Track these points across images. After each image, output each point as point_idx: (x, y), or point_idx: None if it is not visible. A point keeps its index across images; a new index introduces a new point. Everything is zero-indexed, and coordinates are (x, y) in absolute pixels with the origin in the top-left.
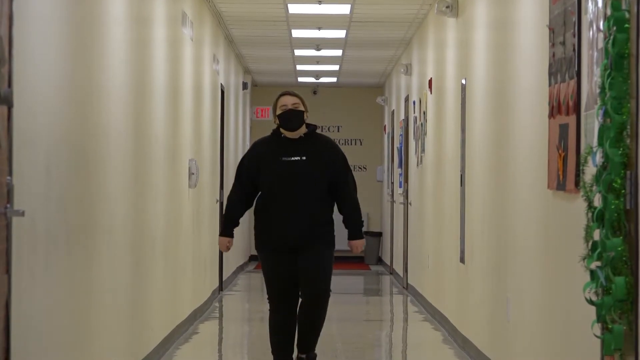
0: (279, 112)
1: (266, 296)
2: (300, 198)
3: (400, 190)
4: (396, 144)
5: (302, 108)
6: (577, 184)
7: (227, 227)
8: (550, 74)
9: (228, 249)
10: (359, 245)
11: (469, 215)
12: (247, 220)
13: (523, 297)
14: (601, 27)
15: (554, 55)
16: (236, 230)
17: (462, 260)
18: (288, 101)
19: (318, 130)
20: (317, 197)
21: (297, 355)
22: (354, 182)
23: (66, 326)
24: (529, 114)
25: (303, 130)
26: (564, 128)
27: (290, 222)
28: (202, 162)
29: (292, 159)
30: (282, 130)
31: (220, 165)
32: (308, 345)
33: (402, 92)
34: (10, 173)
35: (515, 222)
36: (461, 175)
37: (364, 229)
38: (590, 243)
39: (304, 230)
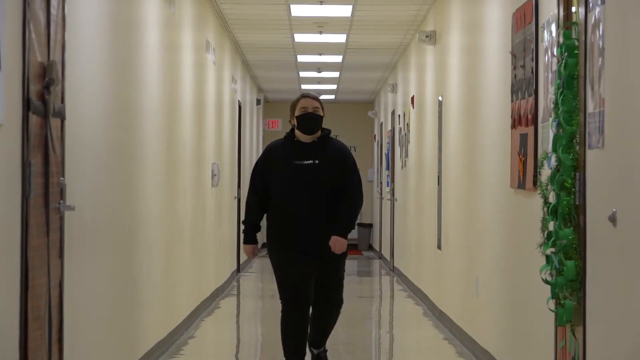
0: (298, 113)
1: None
2: (313, 201)
3: (388, 189)
4: (384, 150)
5: (321, 113)
6: (534, 183)
7: (249, 234)
8: (512, 92)
9: (255, 255)
10: (339, 244)
11: (445, 209)
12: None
13: (490, 277)
14: (555, 53)
15: (515, 76)
16: None
17: (439, 246)
18: (309, 104)
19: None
20: (330, 200)
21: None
22: (359, 186)
23: (110, 302)
24: (494, 125)
25: (317, 134)
26: (524, 137)
27: (303, 225)
28: (222, 165)
29: (305, 162)
30: (296, 132)
31: (238, 168)
32: (319, 342)
33: (389, 107)
34: (62, 174)
35: (483, 215)
36: (438, 176)
37: (358, 221)
38: (545, 233)
39: (316, 235)
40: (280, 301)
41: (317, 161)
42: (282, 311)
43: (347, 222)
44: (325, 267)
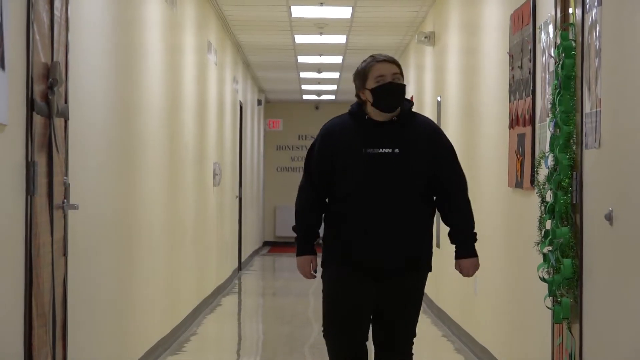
0: (373, 85)
1: (321, 328)
2: (392, 205)
3: None
4: None
5: (403, 81)
6: (532, 182)
7: (303, 243)
8: (510, 93)
9: (313, 274)
10: (472, 266)
11: None
12: (260, 206)
13: (487, 276)
14: (552, 54)
15: (513, 77)
16: (249, 216)
17: (437, 245)
18: (387, 70)
19: None
20: (415, 203)
21: None
22: (463, 179)
23: (113, 299)
24: (492, 125)
25: (397, 110)
26: (521, 137)
27: (379, 237)
28: (224, 165)
29: (381, 150)
30: (368, 108)
31: (239, 167)
32: None
33: None
34: (66, 173)
35: (482, 213)
36: None
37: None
38: (543, 231)
39: (397, 250)
40: (324, 338)
41: (397, 149)
42: (328, 350)
43: (468, 239)
44: (396, 289)
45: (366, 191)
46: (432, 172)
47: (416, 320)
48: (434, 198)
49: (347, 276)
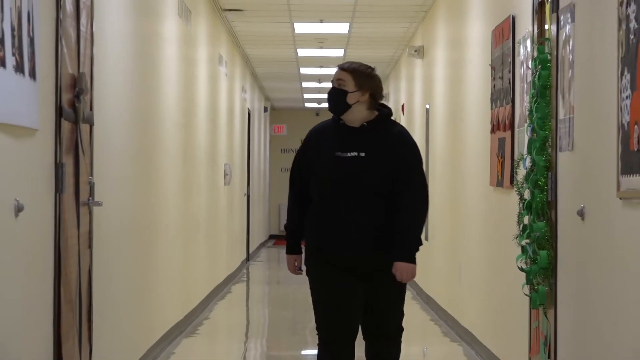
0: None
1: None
2: (358, 206)
3: None
4: None
5: (348, 87)
6: (511, 182)
7: (290, 242)
8: (491, 101)
9: (297, 270)
10: (407, 271)
11: (432, 204)
12: (266, 203)
13: (471, 266)
14: (530, 65)
15: (494, 86)
16: (257, 212)
17: (426, 238)
18: (336, 76)
19: None
20: (379, 205)
21: None
22: (422, 189)
23: (133, 287)
24: (476, 130)
25: (366, 116)
26: (502, 141)
27: (345, 236)
28: (233, 165)
29: (349, 154)
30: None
31: (247, 168)
32: None
33: None
34: (91, 174)
35: (466, 210)
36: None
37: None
38: (521, 226)
39: (363, 249)
40: (316, 332)
41: (363, 153)
42: (318, 344)
43: (411, 241)
44: (375, 289)
45: (334, 193)
46: (394, 178)
47: (401, 311)
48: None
49: (327, 275)
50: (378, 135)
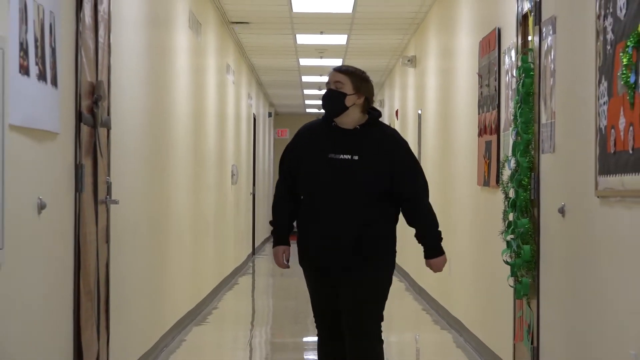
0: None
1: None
2: (348, 209)
3: None
4: None
5: (346, 90)
6: (497, 181)
7: (276, 236)
8: (479, 106)
9: (285, 263)
10: (440, 263)
11: None
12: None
13: (460, 259)
14: (514, 74)
15: (481, 93)
16: (261, 209)
17: None
18: (332, 78)
19: None
20: (371, 208)
21: None
22: (424, 183)
23: (148, 279)
24: (464, 134)
25: (359, 119)
26: (488, 143)
27: (332, 239)
28: (240, 167)
29: (341, 157)
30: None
31: (253, 169)
32: None
33: None
34: (108, 174)
35: (455, 208)
36: None
37: None
38: (506, 222)
39: (346, 252)
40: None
41: (356, 156)
42: (317, 335)
43: (435, 240)
44: (348, 288)
45: (326, 194)
46: (391, 178)
47: (380, 308)
48: (398, 203)
49: (314, 276)
50: (371, 138)
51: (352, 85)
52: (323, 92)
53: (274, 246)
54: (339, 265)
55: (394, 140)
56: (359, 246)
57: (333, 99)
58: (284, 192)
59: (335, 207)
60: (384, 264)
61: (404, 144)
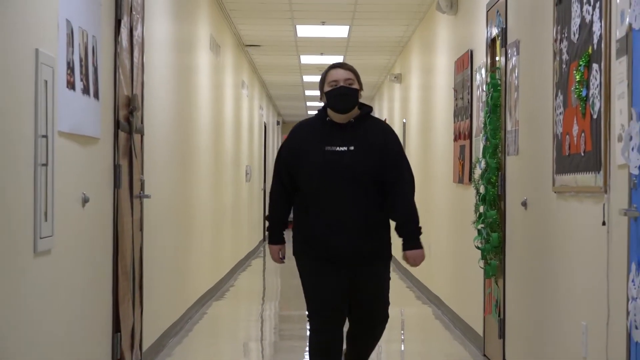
0: (327, 88)
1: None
2: (348, 198)
3: None
4: None
5: (356, 86)
6: (470, 179)
7: (272, 233)
8: (454, 116)
9: (281, 259)
10: (418, 257)
11: None
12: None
13: (439, 244)
14: (484, 89)
15: (456, 105)
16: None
17: None
18: (340, 76)
19: None
20: (370, 196)
21: None
22: (410, 178)
23: (175, 262)
24: (442, 139)
25: (354, 113)
26: (462, 147)
27: (336, 227)
28: (253, 166)
29: (338, 149)
30: (329, 112)
31: (264, 169)
32: None
33: None
34: (142, 173)
35: (435, 202)
36: None
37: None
38: (477, 214)
39: (354, 239)
40: (307, 319)
41: (352, 147)
42: (309, 330)
43: (414, 230)
44: (363, 278)
45: (325, 186)
46: (383, 167)
47: (387, 299)
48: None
49: (315, 266)
50: (365, 130)
51: (357, 81)
52: (322, 104)
53: (269, 243)
54: (349, 251)
55: (387, 132)
56: (366, 234)
57: (351, 97)
58: (280, 189)
59: (337, 197)
60: (387, 251)
61: (395, 136)
